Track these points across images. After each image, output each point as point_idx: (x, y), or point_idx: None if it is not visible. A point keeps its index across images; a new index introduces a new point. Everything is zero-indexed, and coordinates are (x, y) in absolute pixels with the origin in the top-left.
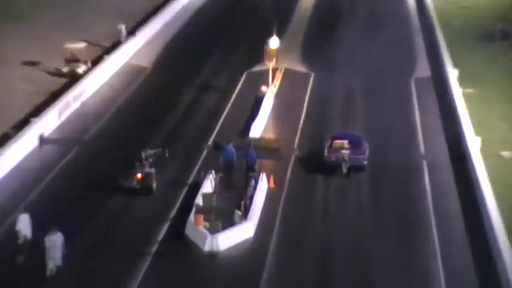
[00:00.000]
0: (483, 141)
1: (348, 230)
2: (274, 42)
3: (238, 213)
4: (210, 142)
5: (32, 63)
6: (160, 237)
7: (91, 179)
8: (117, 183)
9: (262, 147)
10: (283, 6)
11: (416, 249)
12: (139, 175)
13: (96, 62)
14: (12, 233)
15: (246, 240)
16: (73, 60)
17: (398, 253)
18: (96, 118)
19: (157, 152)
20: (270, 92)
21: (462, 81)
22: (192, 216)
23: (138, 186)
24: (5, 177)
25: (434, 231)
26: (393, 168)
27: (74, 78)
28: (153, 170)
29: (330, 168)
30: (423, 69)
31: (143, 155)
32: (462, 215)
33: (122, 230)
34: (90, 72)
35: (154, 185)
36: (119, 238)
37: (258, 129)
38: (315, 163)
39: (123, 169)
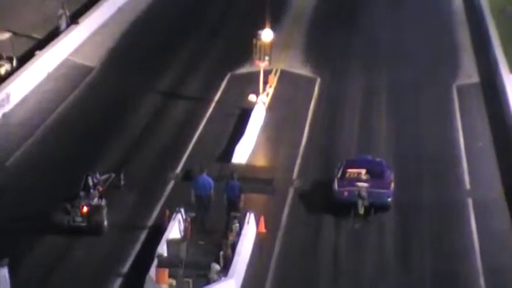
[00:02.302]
0: None
1: None
2: (267, 34)
3: (216, 267)
4: (178, 170)
5: None
6: None
7: (17, 214)
8: (53, 219)
9: (249, 177)
10: None
11: None
12: (85, 208)
13: (24, 59)
14: None
15: None
16: None
17: None
18: (23, 135)
19: (110, 178)
20: (260, 102)
21: None
22: (152, 270)
23: (83, 224)
24: None
25: None
26: (428, 209)
27: None
28: (103, 202)
29: (341, 207)
30: (469, 73)
31: (90, 181)
32: None
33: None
34: (15, 73)
35: (105, 222)
36: None
37: (243, 152)
38: (320, 200)
39: (61, 200)
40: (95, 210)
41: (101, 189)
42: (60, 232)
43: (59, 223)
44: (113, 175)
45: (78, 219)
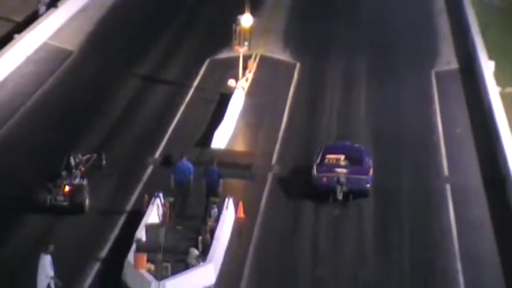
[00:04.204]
0: None
1: (344, 278)
2: (247, 19)
3: (195, 252)
4: (157, 155)
5: None
6: (86, 285)
7: None
8: (35, 198)
9: (228, 162)
10: None
11: None
12: (67, 187)
13: (2, 42)
14: None
15: None
16: None
17: None
18: (2, 118)
19: (92, 158)
20: (240, 88)
21: (500, 77)
22: (131, 255)
23: (65, 203)
24: None
25: (461, 282)
26: (406, 195)
27: None
28: (85, 182)
29: (320, 193)
30: (448, 59)
31: (72, 161)
32: (499, 260)
33: (31, 273)
34: None
35: (87, 202)
36: (26, 284)
37: (223, 138)
38: (299, 185)
39: (43, 180)
40: (76, 189)
41: (82, 169)
42: (42, 211)
43: (40, 202)
44: (95, 155)
45: (60, 198)
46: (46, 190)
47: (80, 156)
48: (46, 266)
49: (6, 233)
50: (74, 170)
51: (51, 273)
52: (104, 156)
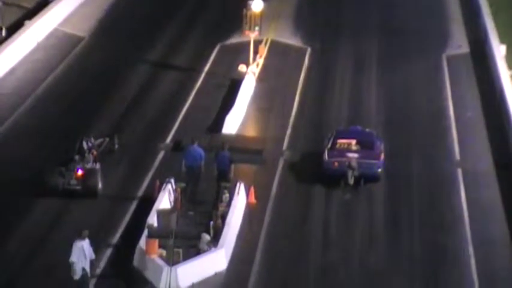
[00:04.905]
0: None
1: (355, 263)
2: (257, 4)
3: (207, 237)
4: (168, 140)
5: None
6: (98, 271)
7: (10, 178)
8: (48, 182)
9: (239, 148)
10: None
11: None
12: (79, 171)
13: (12, 28)
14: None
15: (217, 275)
16: None
17: None
18: (13, 104)
19: (104, 142)
20: (250, 73)
21: None
22: (142, 241)
23: (78, 187)
24: None
25: (473, 265)
26: (417, 180)
27: None
28: (98, 166)
29: (331, 178)
30: (459, 43)
31: (85, 145)
32: (510, 243)
33: (46, 257)
34: (4, 43)
35: (100, 185)
36: (41, 268)
37: (233, 123)
38: (310, 170)
39: (56, 164)
40: (89, 173)
41: (95, 153)
42: (55, 195)
43: (53, 186)
44: (107, 139)
45: (73, 182)
46: (59, 174)
47: (92, 140)
48: (74, 252)
49: (19, 217)
50: (86, 154)
51: (76, 258)
52: (116, 140)
